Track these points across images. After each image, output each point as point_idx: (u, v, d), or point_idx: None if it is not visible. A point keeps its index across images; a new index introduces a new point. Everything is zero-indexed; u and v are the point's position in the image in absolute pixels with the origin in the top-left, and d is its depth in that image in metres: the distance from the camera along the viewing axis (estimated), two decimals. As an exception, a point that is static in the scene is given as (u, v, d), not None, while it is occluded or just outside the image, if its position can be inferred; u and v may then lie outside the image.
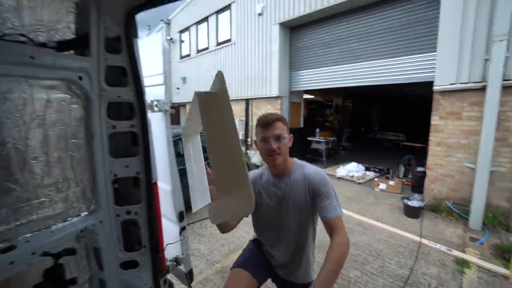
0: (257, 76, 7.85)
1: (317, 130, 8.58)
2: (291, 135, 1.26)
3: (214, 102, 0.82)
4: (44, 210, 1.04)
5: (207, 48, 9.99)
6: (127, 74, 1.11)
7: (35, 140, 0.95)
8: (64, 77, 0.95)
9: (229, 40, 8.93)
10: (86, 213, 1.15)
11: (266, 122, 1.19)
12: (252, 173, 1.41)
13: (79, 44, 0.99)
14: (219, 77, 0.80)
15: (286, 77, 7.55)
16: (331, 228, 1.08)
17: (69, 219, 1.09)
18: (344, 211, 1.12)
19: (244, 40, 8.30)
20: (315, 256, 1.43)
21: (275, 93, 7.42)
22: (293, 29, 7.31)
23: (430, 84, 4.50)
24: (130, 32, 1.08)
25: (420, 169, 5.06)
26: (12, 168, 0.91)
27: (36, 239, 0.97)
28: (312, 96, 9.98)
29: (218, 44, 9.41)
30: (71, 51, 0.98)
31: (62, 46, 0.93)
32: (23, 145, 0.93)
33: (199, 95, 0.82)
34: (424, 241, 3.31)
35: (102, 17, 1.01)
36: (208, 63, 9.85)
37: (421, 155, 5.76)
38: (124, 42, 1.08)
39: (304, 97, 8.54)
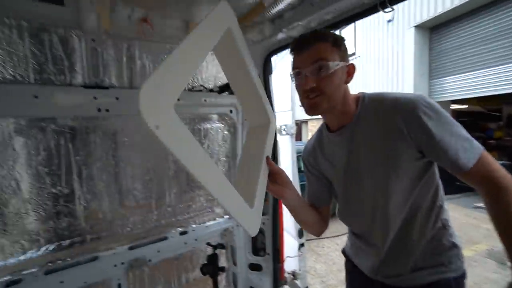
0: (387, 89, 7.08)
1: (473, 150, 6.58)
2: (351, 64, 0.76)
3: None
4: (202, 210, 1.41)
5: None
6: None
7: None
8: (221, 112, 1.29)
9: (353, 54, 8.62)
10: (228, 217, 1.46)
11: (300, 42, 0.73)
12: (308, 145, 0.97)
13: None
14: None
15: (424, 87, 6.37)
16: (476, 179, 0.68)
17: (217, 219, 1.42)
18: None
19: (371, 51, 7.76)
20: (450, 236, 0.79)
21: (408, 105, 6.41)
22: (434, 29, 6.15)
23: None
24: (267, 71, 1.31)
25: None
26: (188, 177, 1.31)
27: (198, 230, 1.34)
28: (465, 106, 7.83)
29: (340, 59, 9.28)
30: (226, 92, 1.31)
31: (221, 89, 1.28)
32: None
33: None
34: None
35: (247, 63, 1.30)
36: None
37: None
38: (262, 79, 1.33)
39: (451, 107, 6.86)
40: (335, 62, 0.70)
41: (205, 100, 1.21)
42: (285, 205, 0.87)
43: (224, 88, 1.29)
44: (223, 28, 0.63)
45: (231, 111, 1.31)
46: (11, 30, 0.88)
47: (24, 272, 0.98)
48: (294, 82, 0.78)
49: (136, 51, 1.12)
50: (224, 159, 1.39)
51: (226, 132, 1.36)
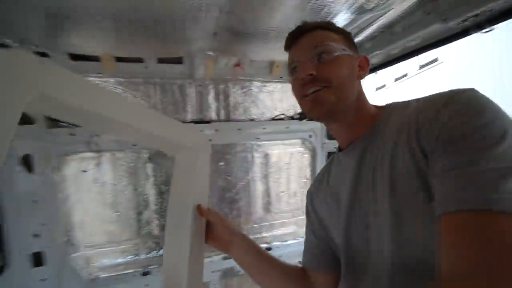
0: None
1: None
2: (364, 57, 0.60)
3: None
4: (283, 228, 1.50)
5: (405, 75, 9.17)
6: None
7: (283, 179, 1.45)
8: (301, 137, 1.41)
9: (435, 60, 7.66)
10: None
11: (295, 32, 0.58)
12: (318, 174, 0.73)
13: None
14: None
15: (545, 89, 5.09)
16: (444, 240, 0.36)
17: (298, 238, 1.49)
18: None
19: (460, 54, 6.73)
20: None
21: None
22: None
23: None
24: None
25: None
26: (271, 197, 1.44)
27: (281, 247, 1.43)
28: None
29: (421, 67, 8.34)
30: (306, 119, 1.42)
31: (301, 116, 1.40)
32: (277, 183, 1.44)
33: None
34: None
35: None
36: (407, 92, 8.92)
37: None
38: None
39: None
40: (341, 46, 0.54)
41: (287, 127, 1.34)
42: (238, 264, 0.70)
43: (305, 115, 1.40)
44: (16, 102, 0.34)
45: (310, 136, 1.40)
46: (148, 86, 1.22)
47: (151, 267, 1.25)
48: (293, 83, 0.59)
49: (230, 89, 1.35)
50: (304, 181, 1.48)
51: (305, 155, 1.46)
